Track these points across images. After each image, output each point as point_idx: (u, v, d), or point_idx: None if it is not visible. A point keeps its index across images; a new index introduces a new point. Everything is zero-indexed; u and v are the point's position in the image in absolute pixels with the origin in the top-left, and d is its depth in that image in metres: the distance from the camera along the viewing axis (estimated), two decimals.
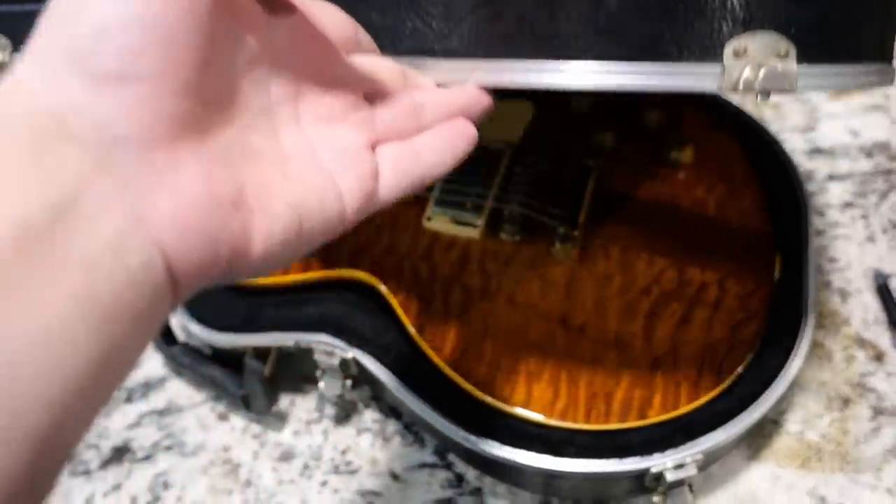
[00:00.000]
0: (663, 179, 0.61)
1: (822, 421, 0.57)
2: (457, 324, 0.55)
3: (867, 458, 0.54)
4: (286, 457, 0.60)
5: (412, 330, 0.55)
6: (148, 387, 0.67)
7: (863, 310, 0.62)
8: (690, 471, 0.47)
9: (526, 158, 0.62)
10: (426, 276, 0.57)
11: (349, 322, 0.57)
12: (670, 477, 0.47)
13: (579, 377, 0.51)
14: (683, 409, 0.50)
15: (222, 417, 0.64)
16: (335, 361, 0.56)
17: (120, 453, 0.63)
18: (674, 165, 0.62)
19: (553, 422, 0.50)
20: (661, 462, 0.48)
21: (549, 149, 0.64)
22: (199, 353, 0.63)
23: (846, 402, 0.57)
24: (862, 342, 0.60)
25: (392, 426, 0.61)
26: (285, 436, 0.62)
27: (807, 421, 0.57)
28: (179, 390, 0.66)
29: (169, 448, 0.62)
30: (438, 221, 0.59)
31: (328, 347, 0.56)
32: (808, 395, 0.58)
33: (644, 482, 0.49)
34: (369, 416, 0.62)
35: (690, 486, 0.48)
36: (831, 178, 0.71)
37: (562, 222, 0.57)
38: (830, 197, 0.70)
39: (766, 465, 0.55)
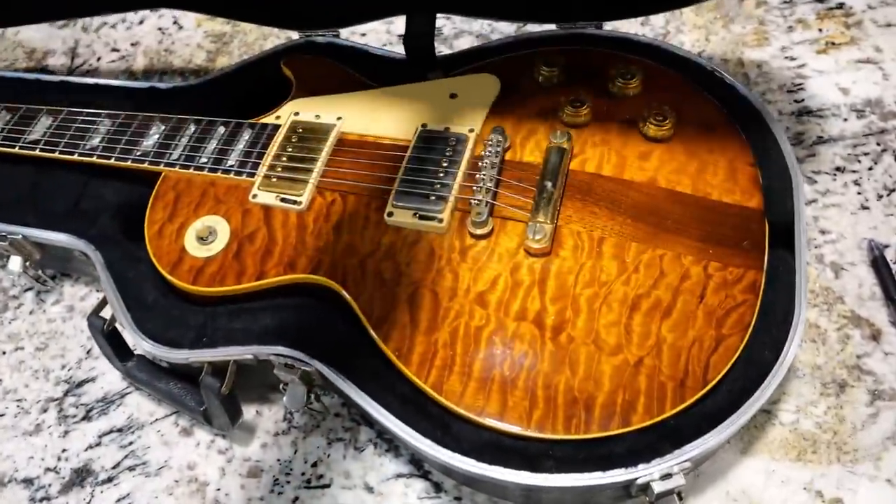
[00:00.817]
0: (640, 156, 0.57)
1: (818, 409, 0.53)
2: (424, 329, 0.50)
3: (865, 447, 0.51)
4: (254, 472, 0.57)
5: (377, 338, 0.51)
6: (107, 402, 0.63)
7: (857, 285, 0.58)
8: (678, 480, 0.44)
9: (492, 140, 0.57)
10: (390, 277, 0.53)
11: (309, 332, 0.53)
12: (658, 488, 0.44)
13: (557, 382, 0.47)
14: (669, 413, 0.46)
15: (186, 432, 0.60)
16: (295, 376, 0.52)
17: (81, 476, 0.59)
18: (652, 140, 0.57)
19: (530, 433, 0.46)
20: (647, 473, 0.44)
21: (517, 129, 0.59)
22: (156, 367, 0.58)
23: (842, 386, 0.54)
24: (857, 320, 0.56)
25: (364, 434, 0.58)
26: (253, 450, 0.58)
27: (801, 409, 0.53)
28: (140, 404, 0.62)
29: (132, 468, 0.59)
30: (400, 216, 0.55)
31: (287, 360, 0.52)
32: (802, 382, 0.54)
33: (630, 491, 0.46)
34: (340, 424, 0.58)
35: (679, 495, 0.45)
36: (821, 140, 0.66)
37: (534, 211, 0.53)
38: (821, 162, 0.65)
39: (759, 459, 0.52)
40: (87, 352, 0.66)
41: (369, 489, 0.55)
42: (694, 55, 0.63)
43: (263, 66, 0.71)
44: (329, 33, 0.71)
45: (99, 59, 0.88)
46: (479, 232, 0.53)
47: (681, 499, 0.45)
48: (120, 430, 0.61)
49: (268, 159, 0.59)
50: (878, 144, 0.65)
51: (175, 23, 0.91)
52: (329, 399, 0.59)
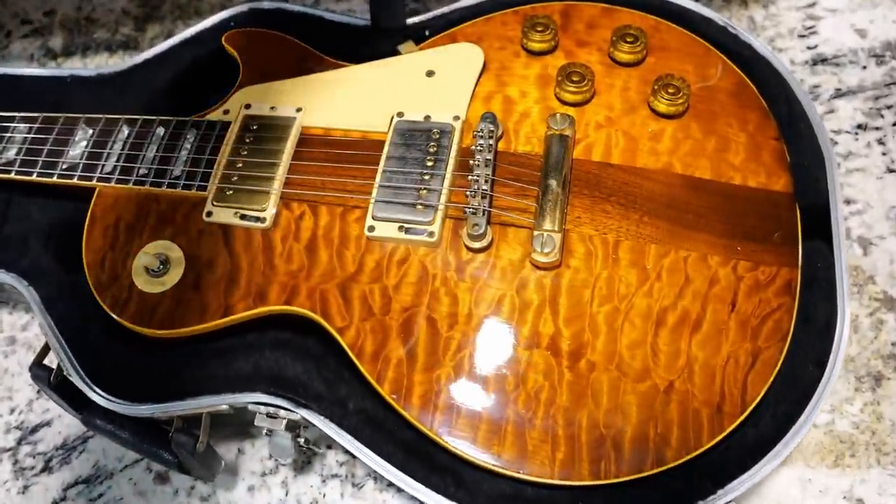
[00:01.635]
0: (652, 137, 0.49)
1: (853, 407, 0.49)
2: (423, 365, 0.44)
3: None
4: None
5: (370, 378, 0.44)
6: (67, 449, 0.55)
7: (889, 261, 0.53)
8: None
9: (482, 130, 0.48)
10: (380, 303, 0.45)
11: (289, 373, 0.46)
12: None
13: (579, 418, 0.42)
14: (707, 445, 0.41)
15: (161, 479, 0.54)
16: (280, 426, 0.45)
17: None
18: (663, 116, 0.50)
19: (555, 481, 0.41)
20: None
21: (508, 112, 0.50)
22: (112, 416, 0.51)
23: (878, 380, 0.49)
24: (891, 302, 0.52)
25: (361, 468, 0.52)
26: (239, 494, 0.52)
27: (835, 409, 0.49)
28: (106, 450, 0.55)
29: None
30: (383, 230, 0.47)
31: (270, 410, 0.45)
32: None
33: None
34: (334, 459, 0.52)
35: None
36: (839, 94, 0.59)
37: (539, 217, 0.45)
38: (840, 120, 0.58)
39: (794, 468, 0.48)
40: (38, 391, 0.58)
41: None
42: (703, 7, 0.55)
43: (201, 41, 0.60)
44: None
45: (9, 34, 0.75)
46: (477, 245, 0.46)
47: None
48: (87, 482, 0.54)
49: (220, 167, 0.50)
50: None
51: None
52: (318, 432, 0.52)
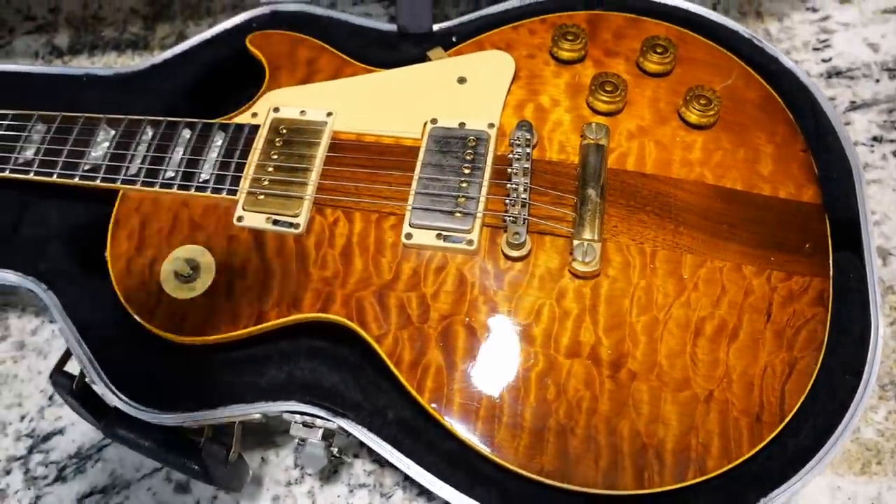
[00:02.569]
0: (684, 147, 0.49)
1: (878, 415, 0.50)
2: (464, 373, 0.43)
3: None
4: None
5: (409, 387, 0.43)
6: (82, 458, 0.54)
7: None
8: None
9: (518, 138, 0.48)
10: (418, 311, 0.45)
11: (325, 382, 0.45)
12: None
13: (621, 428, 0.42)
14: (748, 454, 0.41)
15: (182, 488, 0.52)
16: (317, 436, 0.44)
17: None
18: (694, 127, 0.50)
19: (600, 491, 0.41)
20: None
21: (541, 120, 0.50)
22: (134, 424, 0.50)
23: None
24: None
25: (389, 477, 0.51)
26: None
27: (861, 416, 0.50)
28: (122, 458, 0.54)
29: None
30: (421, 237, 0.46)
31: (306, 419, 0.44)
32: None
33: None
34: (361, 468, 0.52)
35: None
36: (854, 106, 0.61)
37: (578, 226, 0.45)
38: (856, 132, 0.60)
39: (823, 476, 0.48)
40: (50, 397, 0.56)
41: None
42: (728, 20, 0.55)
43: (223, 42, 0.59)
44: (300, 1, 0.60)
45: (11, 30, 0.73)
46: (516, 254, 0.45)
47: None
48: (103, 492, 0.52)
49: (250, 170, 0.49)
50: None
51: None
52: (347, 440, 0.51)
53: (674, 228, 0.46)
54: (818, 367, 0.43)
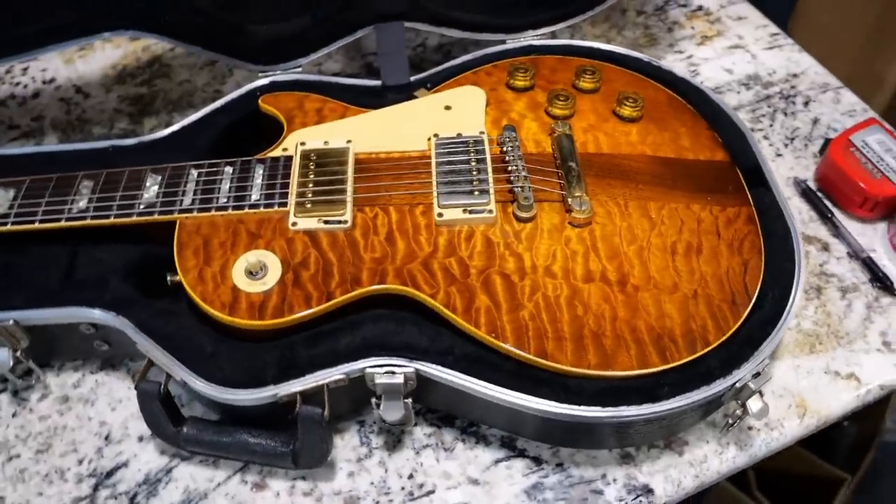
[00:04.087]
0: (624, 135, 0.66)
1: (809, 311, 0.65)
2: (509, 308, 0.54)
3: (852, 330, 0.64)
4: (352, 502, 0.55)
5: (469, 326, 0.53)
6: (151, 483, 0.57)
7: (797, 213, 0.72)
8: (766, 377, 0.52)
9: (509, 136, 0.63)
10: (459, 270, 0.56)
11: (395, 338, 0.54)
12: (753, 386, 0.52)
13: (639, 325, 0.53)
14: (735, 326, 0.54)
15: (259, 487, 0.56)
16: (398, 380, 0.52)
17: None
18: (628, 120, 0.67)
19: (638, 371, 0.52)
20: (741, 375, 0.52)
21: (517, 126, 0.65)
22: (216, 423, 0.55)
23: (819, 290, 0.66)
24: (809, 239, 0.70)
25: (448, 434, 0.59)
26: (340, 482, 0.56)
27: (798, 315, 0.65)
28: (193, 474, 0.57)
29: None
30: (450, 214, 0.58)
31: (387, 368, 0.52)
32: None
33: (721, 401, 0.53)
34: (421, 432, 0.59)
35: (760, 392, 0.53)
36: None
37: (569, 188, 0.59)
38: None
39: (786, 360, 0.62)
40: (105, 437, 0.59)
41: (474, 482, 0.56)
42: (630, 51, 0.74)
43: (233, 108, 0.70)
44: (291, 70, 0.73)
45: None
46: (526, 215, 0.58)
47: (762, 395, 0.53)
48: None
49: (293, 188, 0.59)
50: (769, 107, 0.81)
51: (79, 91, 0.85)
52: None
53: (634, 186, 0.61)
54: (763, 262, 0.58)
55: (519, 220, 0.58)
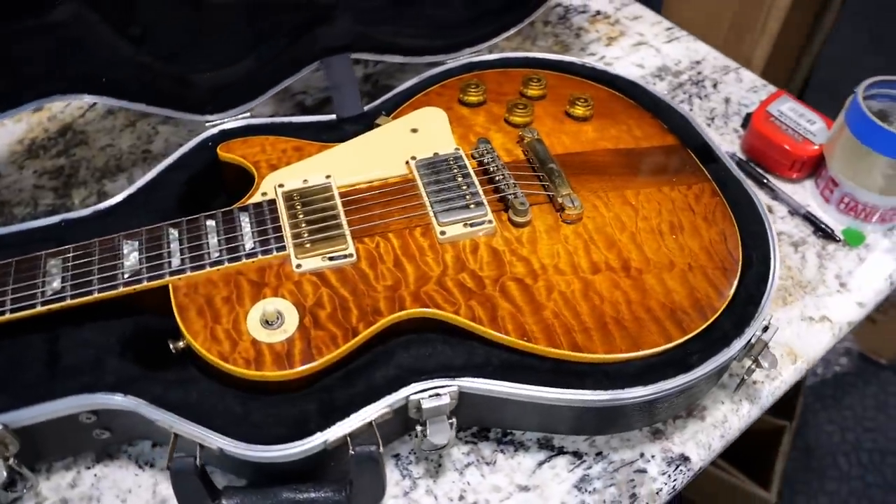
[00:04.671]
0: (582, 133, 0.70)
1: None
2: (531, 311, 0.55)
3: (813, 278, 0.71)
4: None
5: (498, 334, 0.54)
6: None
7: None
8: (774, 329, 0.57)
9: (486, 148, 0.65)
10: (473, 284, 0.56)
11: (429, 361, 0.54)
12: (766, 338, 0.56)
13: (651, 305, 0.57)
14: (732, 290, 0.58)
15: None
16: (445, 401, 0.52)
17: None
18: (581, 119, 0.71)
19: (664, 347, 0.55)
20: (754, 332, 0.56)
21: (487, 139, 0.67)
22: (252, 489, 0.52)
23: None
24: None
25: (486, 448, 0.59)
26: None
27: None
28: None
29: None
30: (452, 231, 0.59)
31: (431, 391, 0.52)
32: None
33: (739, 356, 0.58)
34: (459, 452, 0.58)
35: (767, 345, 0.58)
36: None
37: (557, 188, 0.62)
38: None
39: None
40: None
41: (524, 488, 0.56)
42: (563, 56, 0.79)
43: (186, 164, 0.67)
44: (239, 118, 0.71)
45: None
46: (522, 220, 0.60)
47: (769, 347, 0.58)
48: None
49: (287, 230, 0.58)
50: (684, 93, 0.89)
51: None
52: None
53: (608, 178, 0.65)
54: (737, 228, 0.63)
55: (516, 225, 0.60)
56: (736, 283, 0.59)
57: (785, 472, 1.27)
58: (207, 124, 0.70)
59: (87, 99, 0.66)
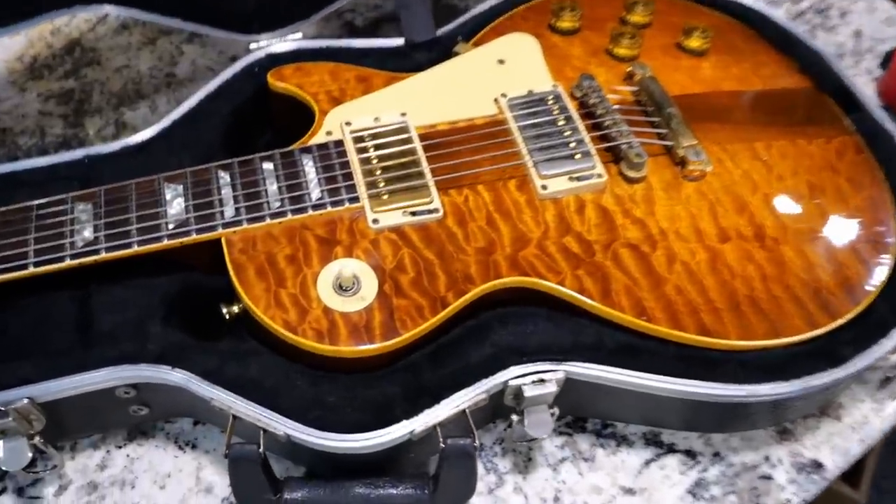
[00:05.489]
0: (700, 70, 0.65)
1: None
2: (650, 284, 0.52)
3: None
4: None
5: (611, 311, 0.51)
6: None
7: None
8: None
9: (590, 85, 0.60)
10: (581, 249, 0.53)
11: (531, 339, 0.51)
12: None
13: (791, 282, 0.53)
14: (889, 270, 0.54)
15: None
16: (551, 389, 0.49)
17: None
18: (698, 54, 0.66)
19: (810, 335, 0.51)
20: None
21: (590, 74, 0.63)
22: (321, 482, 0.49)
23: None
24: None
25: (583, 441, 0.56)
26: None
27: None
28: None
29: None
30: (555, 185, 0.55)
31: (534, 376, 0.49)
32: None
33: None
34: (552, 444, 0.56)
35: None
36: None
37: (677, 137, 0.57)
38: None
39: None
40: None
41: (629, 491, 0.54)
42: None
43: (231, 91, 0.63)
44: (287, 37, 0.66)
45: None
46: (637, 175, 0.56)
47: None
48: None
49: (359, 177, 0.54)
50: (805, 23, 0.83)
51: None
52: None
53: (732, 127, 0.61)
54: (890, 193, 0.59)
55: (628, 181, 0.56)
56: (892, 260, 0.56)
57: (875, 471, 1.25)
58: (253, 45, 0.65)
59: (110, 9, 0.62)
